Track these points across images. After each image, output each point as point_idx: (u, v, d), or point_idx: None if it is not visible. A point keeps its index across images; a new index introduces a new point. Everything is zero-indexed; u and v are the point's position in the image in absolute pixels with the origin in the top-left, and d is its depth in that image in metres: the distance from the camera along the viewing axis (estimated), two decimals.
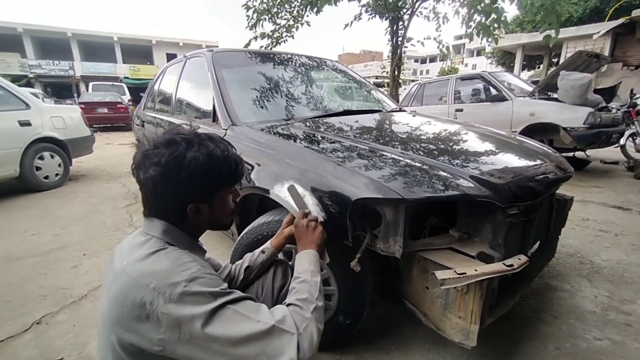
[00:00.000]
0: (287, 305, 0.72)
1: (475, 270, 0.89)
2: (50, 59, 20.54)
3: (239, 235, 1.35)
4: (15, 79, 15.05)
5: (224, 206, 0.80)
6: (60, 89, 21.14)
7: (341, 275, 1.15)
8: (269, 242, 1.06)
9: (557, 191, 1.48)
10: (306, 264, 0.84)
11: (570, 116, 3.81)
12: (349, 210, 0.99)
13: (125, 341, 0.61)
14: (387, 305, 1.51)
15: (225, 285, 0.67)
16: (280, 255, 1.14)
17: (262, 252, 1.03)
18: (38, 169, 3.71)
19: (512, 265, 0.92)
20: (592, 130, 3.71)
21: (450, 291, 1.00)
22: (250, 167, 1.36)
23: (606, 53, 11.25)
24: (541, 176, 1.21)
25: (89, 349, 1.36)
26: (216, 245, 2.25)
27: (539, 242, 1.55)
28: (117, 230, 2.64)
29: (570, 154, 4.37)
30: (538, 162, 1.36)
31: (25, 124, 3.54)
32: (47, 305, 1.66)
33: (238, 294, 0.66)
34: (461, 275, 0.87)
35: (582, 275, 1.86)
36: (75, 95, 18.36)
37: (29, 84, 18.55)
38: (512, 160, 1.37)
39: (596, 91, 4.30)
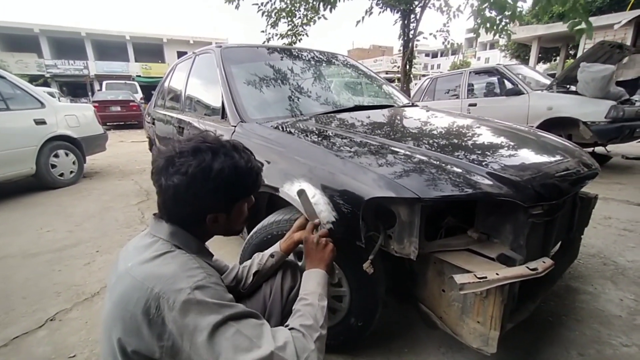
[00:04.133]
0: (290, 328, 0.68)
1: (497, 274, 0.84)
2: (66, 58, 21.08)
3: (247, 234, 1.33)
4: (32, 79, 15.49)
5: (240, 215, 0.79)
6: (76, 88, 21.68)
7: (353, 277, 1.11)
8: (277, 244, 1.03)
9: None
10: (314, 286, 0.81)
11: (591, 110, 3.66)
12: (362, 210, 0.94)
13: (126, 346, 0.60)
14: (400, 307, 1.47)
15: (230, 296, 0.65)
16: (291, 255, 1.11)
17: (272, 256, 1.00)
18: (53, 166, 3.79)
19: (536, 269, 0.87)
20: (615, 125, 3.55)
21: (469, 295, 0.95)
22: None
23: (628, 44, 10.76)
24: (566, 173, 1.14)
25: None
26: (225, 242, 2.25)
27: (560, 243, 1.48)
28: (129, 227, 2.66)
29: (590, 149, 4.21)
30: (561, 158, 1.28)
31: (40, 122, 3.61)
32: (61, 302, 1.68)
33: (242, 308, 0.63)
34: (482, 280, 0.82)
35: (606, 277, 1.77)
36: (89, 93, 18.72)
37: (45, 84, 19.06)
38: (533, 156, 1.29)
39: (618, 83, 4.12)
